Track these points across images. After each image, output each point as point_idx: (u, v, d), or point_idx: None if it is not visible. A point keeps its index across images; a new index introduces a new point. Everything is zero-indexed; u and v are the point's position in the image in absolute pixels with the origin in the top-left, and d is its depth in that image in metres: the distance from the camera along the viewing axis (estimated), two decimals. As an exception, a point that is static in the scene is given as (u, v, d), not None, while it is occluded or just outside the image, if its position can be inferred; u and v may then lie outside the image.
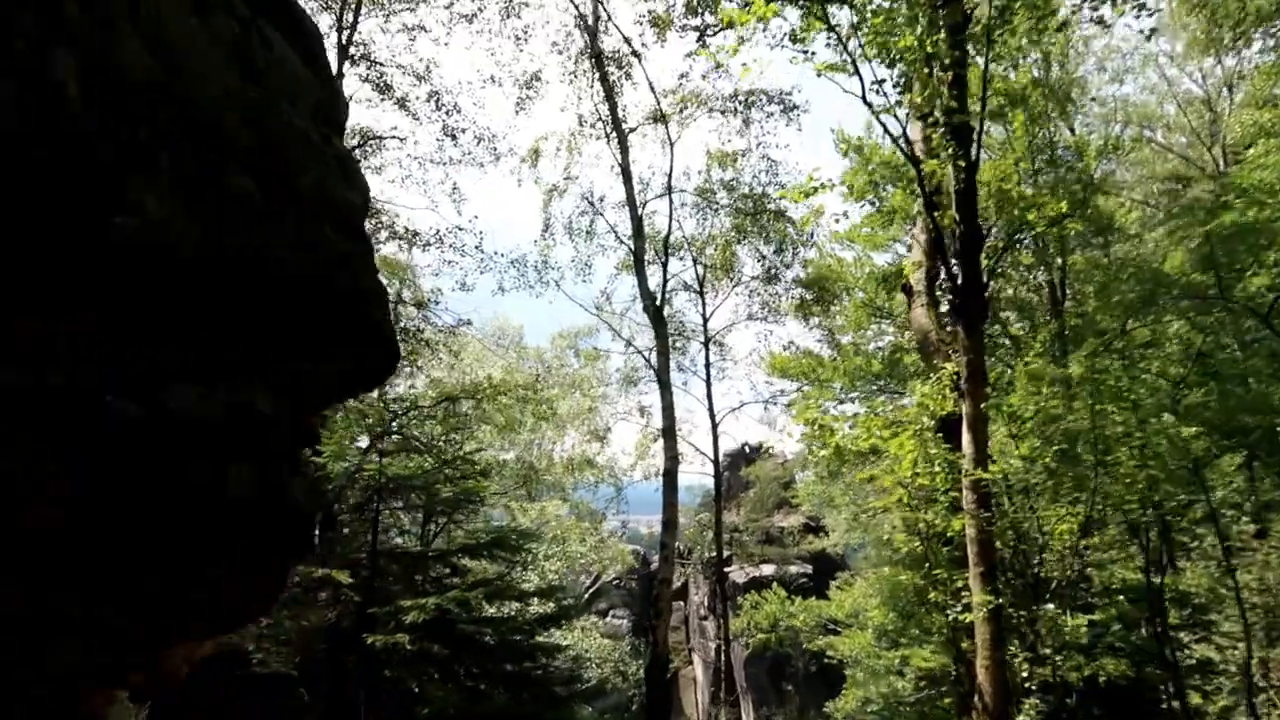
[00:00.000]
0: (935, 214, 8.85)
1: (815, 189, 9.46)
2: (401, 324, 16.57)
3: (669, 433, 12.43)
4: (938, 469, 8.43)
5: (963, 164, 8.38)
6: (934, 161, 9.09)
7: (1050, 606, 7.45)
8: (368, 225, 5.13)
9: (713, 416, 16.67)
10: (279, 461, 4.36)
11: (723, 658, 19.64)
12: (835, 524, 36.82)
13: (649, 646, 11.66)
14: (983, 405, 7.83)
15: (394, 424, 12.15)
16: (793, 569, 39.86)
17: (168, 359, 3.64)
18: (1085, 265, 21.71)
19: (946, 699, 18.56)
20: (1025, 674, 7.11)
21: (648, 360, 14.56)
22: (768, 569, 39.80)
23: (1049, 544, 7.86)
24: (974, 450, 7.75)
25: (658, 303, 13.70)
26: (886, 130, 9.22)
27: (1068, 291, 22.22)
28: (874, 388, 22.98)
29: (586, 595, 47.10)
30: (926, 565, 8.52)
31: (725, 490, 49.06)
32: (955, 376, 8.24)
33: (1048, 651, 7.46)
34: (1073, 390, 10.56)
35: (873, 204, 18.89)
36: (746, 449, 46.71)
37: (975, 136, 8.55)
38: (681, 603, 46.33)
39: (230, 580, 4.26)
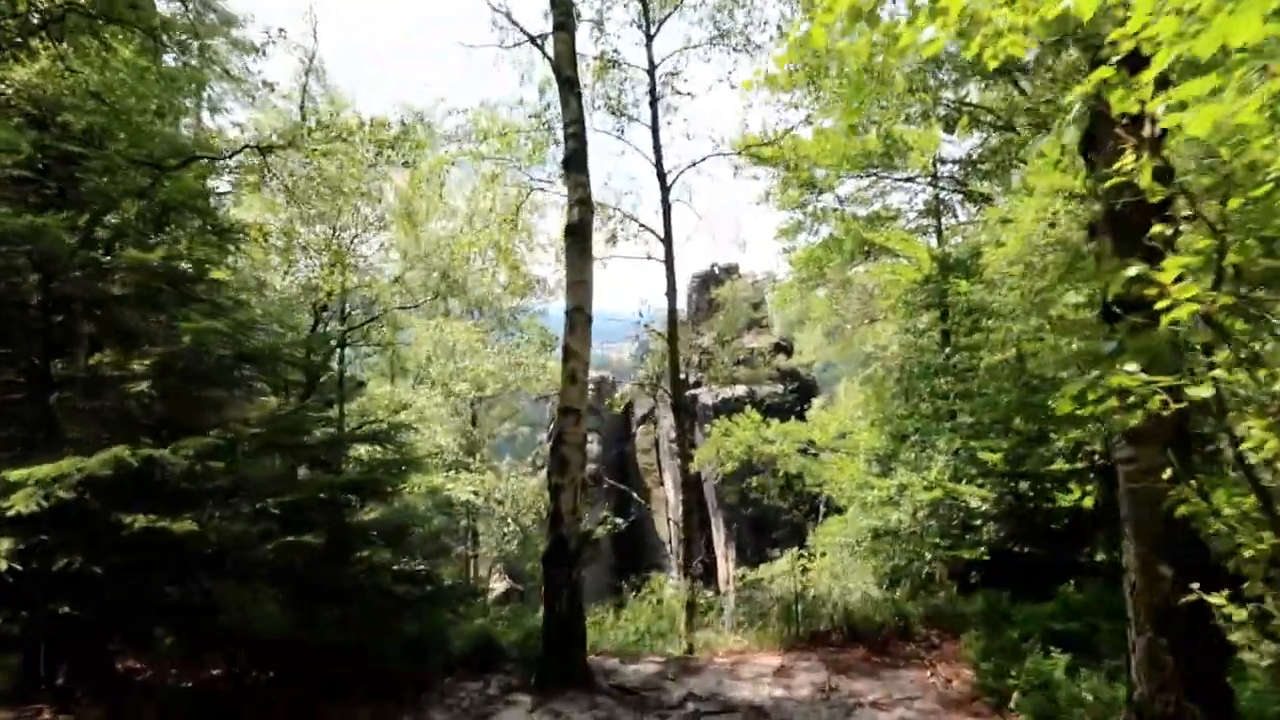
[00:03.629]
0: None
1: None
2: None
3: (575, 163, 6.69)
4: None
5: None
6: None
7: None
8: None
9: (662, 177, 10.87)
10: None
11: (677, 495, 14.86)
12: (808, 341, 32.04)
13: (548, 518, 6.28)
14: None
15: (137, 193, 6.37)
16: (763, 389, 35.66)
17: None
18: None
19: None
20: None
21: (540, 48, 8.63)
22: (739, 390, 35.52)
23: None
24: None
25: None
26: None
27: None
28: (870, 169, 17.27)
29: (552, 423, 42.71)
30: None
31: (694, 313, 44.26)
32: None
33: None
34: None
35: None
36: (715, 269, 41.49)
37: None
38: (653, 425, 42.45)
39: None
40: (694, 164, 10.76)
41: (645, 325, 10.66)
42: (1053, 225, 14.09)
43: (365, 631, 5.85)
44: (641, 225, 10.69)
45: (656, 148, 10.48)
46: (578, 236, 6.47)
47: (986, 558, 13.49)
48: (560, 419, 6.49)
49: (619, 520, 20.98)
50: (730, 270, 41.11)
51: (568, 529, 6.14)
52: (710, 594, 16.15)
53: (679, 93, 10.69)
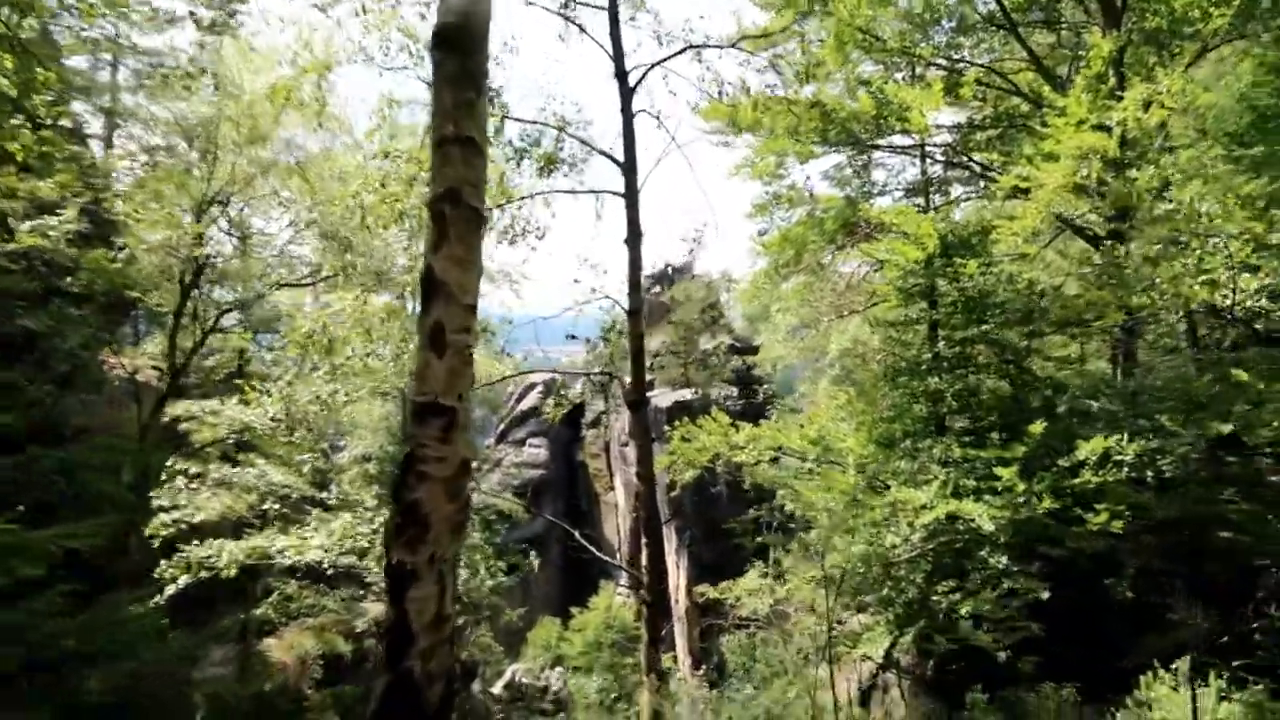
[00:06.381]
0: None
1: None
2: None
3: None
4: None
5: None
6: None
7: None
8: None
9: (622, 77, 7.40)
10: None
11: (628, 500, 11.59)
12: (770, 340, 29.06)
13: (383, 636, 2.94)
14: None
15: None
16: (719, 391, 32.78)
17: None
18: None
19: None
20: None
21: None
22: (694, 393, 32.58)
23: None
24: None
25: None
26: None
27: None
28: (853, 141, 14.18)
29: (501, 426, 39.03)
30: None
31: (647, 314, 41.06)
32: None
33: None
34: None
35: None
36: (670, 269, 38.37)
37: None
38: (603, 428, 39.15)
39: None
40: (667, 59, 7.40)
41: (592, 290, 7.30)
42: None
43: None
44: (588, 146, 7.35)
45: (614, 33, 7.13)
46: (452, 51, 3.05)
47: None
48: (414, 427, 3.07)
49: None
50: (685, 270, 38.07)
51: (423, 661, 2.75)
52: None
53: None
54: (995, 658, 10.81)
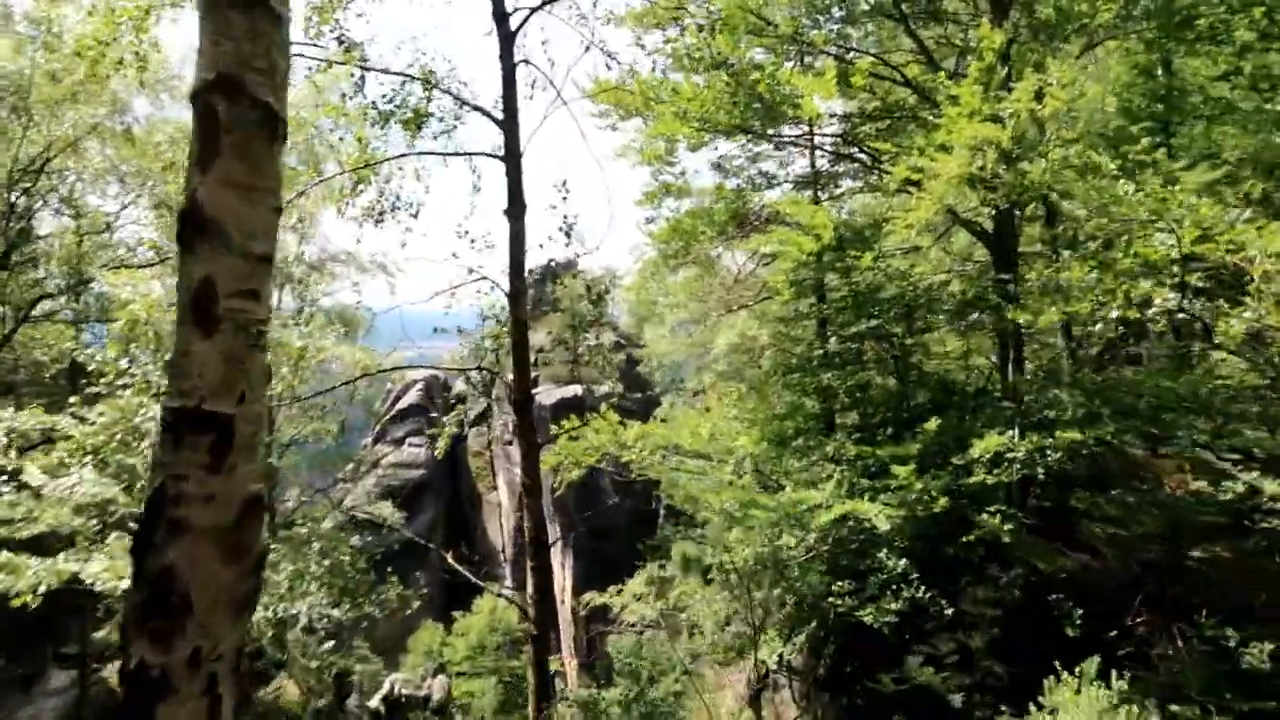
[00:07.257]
0: None
1: None
2: None
3: None
4: None
5: None
6: None
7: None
8: None
9: (502, 19, 6.26)
10: None
11: (511, 500, 10.54)
12: (656, 336, 28.53)
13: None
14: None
15: None
16: (603, 389, 32.08)
17: None
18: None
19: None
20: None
21: None
22: (577, 390, 31.72)
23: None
24: None
25: None
26: None
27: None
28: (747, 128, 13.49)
29: (377, 426, 36.84)
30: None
31: (530, 310, 39.84)
32: None
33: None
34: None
35: None
36: (554, 264, 37.35)
37: None
38: (486, 426, 37.65)
39: None
40: (553, 1, 6.33)
41: (469, 270, 6.16)
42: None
43: None
44: (462, 101, 6.21)
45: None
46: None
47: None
48: (166, 450, 1.96)
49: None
50: (568, 266, 37.16)
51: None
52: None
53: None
54: (895, 656, 10.46)
